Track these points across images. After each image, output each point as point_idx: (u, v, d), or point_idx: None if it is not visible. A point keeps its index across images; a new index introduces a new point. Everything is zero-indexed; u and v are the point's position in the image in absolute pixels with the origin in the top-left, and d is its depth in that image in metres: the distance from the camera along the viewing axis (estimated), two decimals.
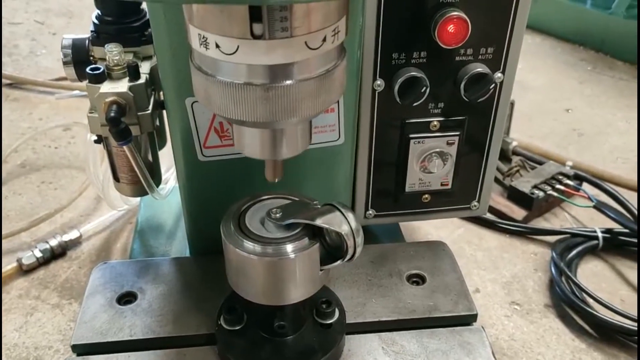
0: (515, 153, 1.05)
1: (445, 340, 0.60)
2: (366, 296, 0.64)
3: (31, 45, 1.59)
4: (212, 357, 0.59)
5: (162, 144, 0.76)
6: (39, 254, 0.88)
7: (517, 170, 1.01)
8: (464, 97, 0.62)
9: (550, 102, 1.34)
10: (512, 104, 1.04)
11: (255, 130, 0.45)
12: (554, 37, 1.60)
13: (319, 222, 0.50)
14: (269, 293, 0.52)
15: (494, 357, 0.59)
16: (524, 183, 0.97)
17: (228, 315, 0.58)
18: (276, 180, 0.50)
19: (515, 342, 0.78)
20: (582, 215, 0.99)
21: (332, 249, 0.53)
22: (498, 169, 1.01)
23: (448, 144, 0.66)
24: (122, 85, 0.62)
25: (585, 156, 1.12)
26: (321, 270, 0.53)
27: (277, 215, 0.52)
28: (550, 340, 0.79)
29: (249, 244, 0.51)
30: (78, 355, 0.60)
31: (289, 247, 0.51)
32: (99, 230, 0.96)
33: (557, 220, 0.99)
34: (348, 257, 0.51)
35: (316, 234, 0.52)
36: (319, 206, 0.53)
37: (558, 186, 0.97)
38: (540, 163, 1.03)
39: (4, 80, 1.40)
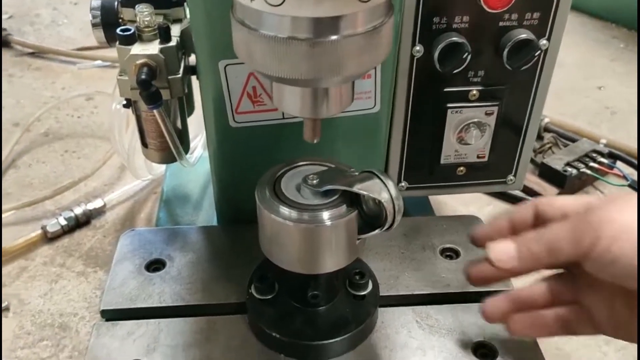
0: (547, 130, 1.02)
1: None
2: (399, 269, 0.63)
3: (53, 14, 1.58)
4: (242, 326, 0.58)
5: (190, 112, 0.74)
6: (63, 222, 0.87)
7: (550, 147, 0.98)
8: (507, 65, 0.60)
9: (581, 79, 1.30)
10: None
11: (296, 88, 0.43)
12: (585, 14, 1.55)
13: (357, 189, 0.48)
14: (303, 261, 0.51)
15: None
16: (557, 160, 0.95)
17: (259, 284, 0.57)
18: (314, 141, 0.49)
19: None
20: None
21: (369, 218, 0.51)
22: None
23: (487, 114, 0.64)
24: (153, 48, 0.61)
25: (618, 134, 1.09)
26: (358, 239, 0.51)
27: (314, 181, 0.50)
28: None
29: (284, 210, 0.49)
30: (107, 320, 0.59)
31: (326, 214, 0.49)
32: (123, 199, 0.95)
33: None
34: (387, 225, 0.49)
35: (354, 201, 0.50)
36: (357, 173, 0.51)
37: (592, 164, 0.94)
38: (573, 140, 1.00)
39: (26, 49, 1.39)
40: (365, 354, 0.55)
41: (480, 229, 0.54)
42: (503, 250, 0.47)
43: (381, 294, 0.59)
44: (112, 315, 0.59)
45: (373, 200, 0.49)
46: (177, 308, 0.59)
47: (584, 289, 0.48)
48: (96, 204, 0.91)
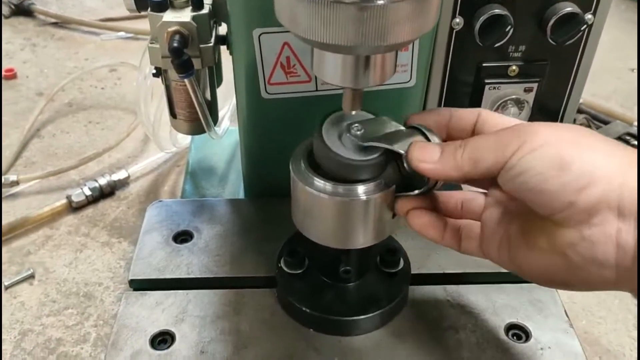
0: (580, 111, 1.00)
1: (514, 296, 0.57)
2: (430, 248, 0.62)
3: None
4: (270, 300, 0.57)
5: (219, 83, 0.73)
6: (88, 192, 0.87)
7: None
8: (550, 40, 0.58)
9: (613, 60, 1.27)
10: None
11: (339, 55, 0.42)
12: None
13: (397, 147, 0.46)
14: (337, 235, 0.50)
15: (567, 316, 0.56)
16: None
17: (289, 258, 0.56)
18: (353, 113, 0.47)
19: (575, 305, 0.75)
20: None
21: (410, 177, 0.49)
22: None
23: (525, 90, 0.62)
24: (185, 15, 0.59)
25: None
26: (393, 215, 0.50)
27: (358, 132, 0.47)
28: (612, 304, 0.76)
29: (319, 183, 0.48)
30: (135, 290, 0.59)
31: (361, 189, 0.48)
32: (147, 171, 0.95)
33: None
34: (427, 187, 0.47)
35: (395, 158, 0.48)
36: (402, 128, 0.48)
37: None
38: (606, 122, 0.98)
39: (49, 19, 1.38)
40: (395, 331, 0.54)
41: (418, 114, 0.51)
42: (427, 151, 0.44)
43: (412, 272, 0.58)
44: (140, 285, 0.59)
45: None
46: (205, 280, 0.59)
47: (489, 204, 0.47)
48: (120, 175, 0.90)
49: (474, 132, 0.48)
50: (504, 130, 0.42)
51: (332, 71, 0.44)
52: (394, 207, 0.49)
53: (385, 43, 0.39)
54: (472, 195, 0.50)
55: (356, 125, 0.47)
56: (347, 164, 0.47)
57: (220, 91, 0.71)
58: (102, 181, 0.88)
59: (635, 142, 0.93)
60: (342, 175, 0.47)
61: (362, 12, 0.37)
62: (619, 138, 0.93)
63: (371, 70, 0.43)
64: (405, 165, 0.48)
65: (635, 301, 0.75)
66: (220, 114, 0.86)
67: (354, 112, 0.48)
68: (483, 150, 0.42)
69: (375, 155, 0.47)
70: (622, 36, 1.36)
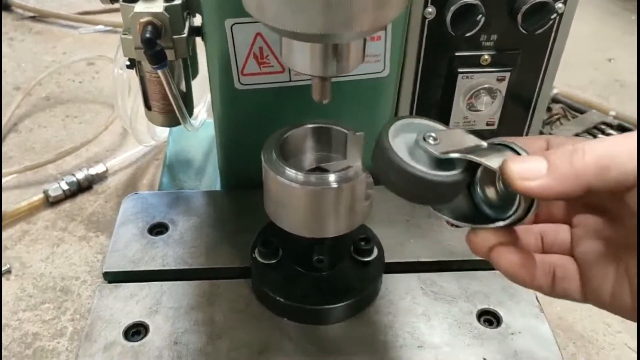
0: (555, 101, 1.01)
1: (487, 283, 0.58)
2: (405, 236, 0.62)
3: None
4: (245, 290, 0.57)
5: (194, 75, 0.73)
6: (65, 187, 0.87)
7: (558, 119, 0.97)
8: (521, 28, 0.58)
9: (591, 51, 1.28)
10: None
11: (306, 44, 0.42)
12: None
13: (489, 162, 0.36)
14: (309, 224, 0.50)
15: (538, 301, 0.57)
16: (565, 132, 0.94)
17: (263, 248, 0.56)
18: (324, 102, 0.47)
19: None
20: None
21: (488, 204, 0.40)
22: None
23: (498, 80, 0.62)
24: (158, 5, 0.59)
25: (628, 107, 1.07)
26: (366, 202, 0.50)
27: (434, 143, 0.38)
28: None
29: (290, 172, 0.48)
30: (109, 282, 0.58)
31: (333, 177, 0.48)
32: (125, 165, 0.94)
33: None
34: (518, 214, 0.37)
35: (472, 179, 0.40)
36: (484, 143, 0.39)
37: (600, 136, 0.93)
38: (582, 112, 0.99)
39: (27, 13, 1.37)
40: (368, 319, 0.55)
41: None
42: (530, 163, 0.34)
43: (386, 260, 0.58)
44: (115, 278, 0.59)
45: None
46: (180, 271, 0.59)
47: (582, 236, 0.39)
48: (98, 169, 0.90)
49: None
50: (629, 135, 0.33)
51: (301, 60, 0.44)
52: (473, 241, 0.40)
53: (352, 31, 0.39)
54: (554, 227, 0.42)
55: (432, 135, 0.39)
56: (427, 180, 0.37)
57: (197, 83, 0.71)
58: (80, 175, 0.88)
59: (611, 131, 0.94)
60: (412, 192, 0.39)
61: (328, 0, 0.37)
62: (594, 127, 0.94)
63: (339, 58, 0.43)
64: (478, 190, 0.40)
65: None
66: (198, 106, 0.86)
67: (418, 121, 0.41)
68: (614, 154, 0.32)
69: (456, 172, 0.38)
70: (600, 27, 1.38)
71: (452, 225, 0.41)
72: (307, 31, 0.38)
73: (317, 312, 0.54)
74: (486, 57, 0.61)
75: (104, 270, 0.59)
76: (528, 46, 0.61)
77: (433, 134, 0.39)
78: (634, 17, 1.42)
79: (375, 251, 0.58)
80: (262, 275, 0.56)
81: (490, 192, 0.40)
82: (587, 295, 0.38)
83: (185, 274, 0.59)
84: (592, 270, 0.38)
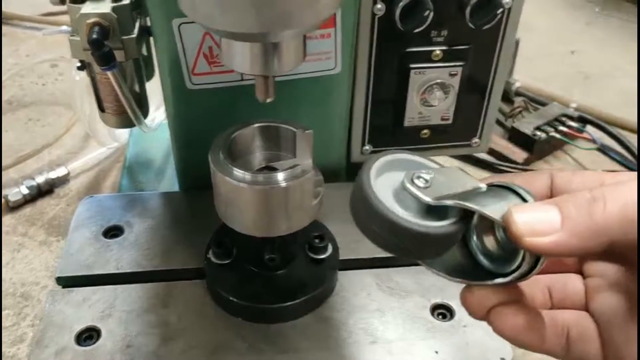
0: (518, 94, 1.01)
1: (440, 277, 0.58)
2: (361, 234, 0.62)
3: None
4: (200, 291, 0.57)
5: (150, 75, 0.72)
6: (25, 191, 0.85)
7: (520, 112, 0.98)
8: (470, 24, 0.59)
9: (555, 44, 1.29)
10: (517, 43, 1.00)
11: (245, 43, 0.42)
12: None
13: (491, 212, 0.32)
14: (258, 224, 0.50)
15: None
16: (526, 124, 0.94)
17: (217, 249, 0.56)
18: (267, 101, 0.47)
19: None
20: (585, 158, 0.96)
21: (486, 255, 0.36)
22: (500, 110, 0.97)
23: (450, 75, 0.63)
24: (105, 6, 0.58)
25: (591, 99, 1.09)
26: (315, 200, 0.50)
27: (422, 186, 0.33)
28: None
29: (238, 172, 0.48)
30: (63, 287, 0.58)
31: (281, 176, 0.48)
32: (87, 168, 0.93)
33: (559, 163, 0.96)
34: (523, 269, 0.32)
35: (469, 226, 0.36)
36: (482, 185, 0.35)
37: (561, 128, 0.94)
38: (544, 104, 1.00)
39: None
40: (323, 316, 0.55)
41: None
42: (541, 214, 0.29)
43: (342, 257, 0.59)
44: (68, 282, 0.58)
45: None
46: (134, 274, 0.58)
47: (598, 289, 0.34)
48: (59, 172, 0.89)
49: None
50: None
51: (241, 59, 0.44)
52: (469, 301, 0.35)
53: (288, 29, 0.39)
54: (563, 277, 0.37)
55: (421, 176, 0.34)
56: (415, 231, 0.32)
57: (156, 84, 0.70)
58: (40, 179, 0.87)
59: (572, 123, 0.95)
60: (397, 244, 0.34)
61: None
62: (555, 120, 0.95)
63: (279, 56, 0.43)
64: (474, 239, 0.36)
65: None
66: (157, 106, 0.85)
67: (405, 157, 0.37)
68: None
69: (449, 222, 0.33)
70: (564, 19, 1.39)
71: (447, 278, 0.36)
72: (240, 30, 0.38)
73: (270, 310, 0.54)
74: (437, 52, 0.62)
75: (57, 275, 0.58)
76: (478, 41, 0.61)
77: (423, 175, 0.34)
78: (597, 8, 1.43)
79: (330, 248, 0.58)
80: (216, 275, 0.56)
81: (489, 242, 0.36)
82: (610, 358, 0.33)
83: (140, 276, 0.58)
84: (614, 329, 0.33)
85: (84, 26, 0.58)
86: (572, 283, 0.36)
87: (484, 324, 0.53)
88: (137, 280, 0.58)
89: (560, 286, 0.36)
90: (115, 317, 0.54)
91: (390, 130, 0.67)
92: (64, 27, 1.28)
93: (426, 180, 0.33)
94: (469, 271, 0.36)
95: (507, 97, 1.01)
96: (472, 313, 0.35)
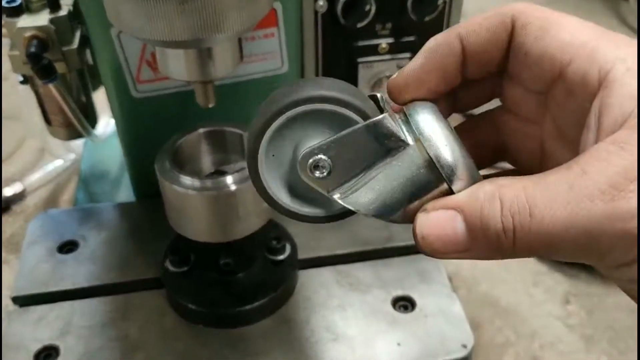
0: None
1: (400, 269, 0.59)
2: (320, 231, 0.62)
3: None
4: (160, 301, 0.57)
5: (98, 84, 0.71)
6: None
7: None
8: (412, 16, 0.59)
9: None
10: None
11: (179, 50, 0.41)
12: None
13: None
14: (211, 230, 0.50)
15: (450, 282, 0.58)
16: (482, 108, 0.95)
17: (173, 257, 0.56)
18: (209, 106, 0.47)
19: (477, 271, 0.78)
20: None
21: None
22: None
23: (398, 67, 0.63)
24: (42, 19, 0.57)
25: None
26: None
27: (320, 175, 0.28)
28: (511, 265, 0.79)
29: (186, 180, 0.48)
30: (20, 306, 0.57)
31: (230, 179, 0.48)
32: (44, 182, 0.91)
33: None
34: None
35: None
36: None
37: None
38: None
39: None
40: (285, 317, 0.55)
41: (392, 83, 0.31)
42: (445, 232, 0.25)
43: (301, 257, 0.59)
44: (25, 301, 0.57)
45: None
46: (92, 289, 0.57)
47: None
48: (15, 188, 0.87)
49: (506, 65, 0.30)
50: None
51: (177, 67, 0.43)
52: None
53: (218, 35, 0.39)
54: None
55: (319, 164, 0.28)
56: (301, 216, 0.31)
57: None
58: None
59: None
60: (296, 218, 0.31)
61: (184, 5, 0.37)
62: None
63: (215, 60, 0.43)
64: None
65: (533, 260, 0.79)
66: (109, 115, 0.84)
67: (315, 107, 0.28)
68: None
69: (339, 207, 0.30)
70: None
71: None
72: (170, 38, 0.37)
73: (230, 315, 0.54)
74: (384, 45, 0.62)
75: (12, 295, 0.57)
76: (422, 32, 0.62)
77: (321, 161, 0.28)
78: None
79: (288, 249, 0.58)
80: (174, 284, 0.55)
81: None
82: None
83: (97, 290, 0.57)
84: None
85: (21, 40, 0.56)
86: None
87: (445, 312, 0.53)
88: (95, 294, 0.57)
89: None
90: (74, 334, 0.53)
91: None
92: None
93: (324, 168, 0.28)
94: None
95: None
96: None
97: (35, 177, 0.90)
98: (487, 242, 0.24)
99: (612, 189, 0.22)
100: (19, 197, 0.87)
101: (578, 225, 0.22)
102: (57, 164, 0.92)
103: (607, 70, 0.25)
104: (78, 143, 0.87)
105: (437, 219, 0.26)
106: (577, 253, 0.23)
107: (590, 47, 0.26)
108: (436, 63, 0.30)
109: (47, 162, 0.94)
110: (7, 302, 0.74)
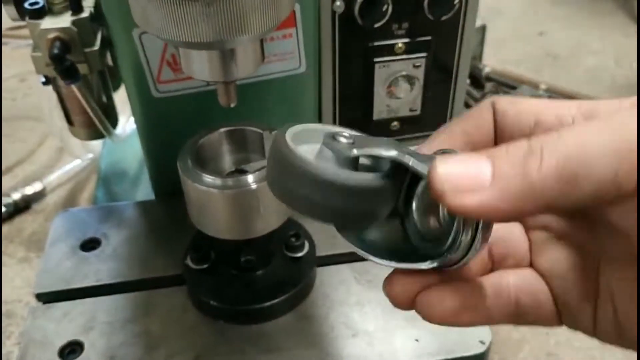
0: (488, 79, 1.02)
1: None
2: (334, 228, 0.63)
3: None
4: (181, 298, 0.57)
5: (118, 85, 0.72)
6: (2, 209, 0.85)
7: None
8: (428, 15, 0.59)
9: (523, 26, 1.31)
10: (484, 29, 1.01)
11: (202, 51, 0.42)
12: None
13: (420, 167, 0.27)
14: (231, 227, 0.51)
15: None
16: None
17: (194, 254, 0.57)
18: (231, 105, 0.48)
19: None
20: None
21: (424, 236, 0.31)
22: (471, 96, 0.98)
23: (414, 67, 0.64)
24: (65, 20, 0.58)
25: (561, 79, 1.10)
26: None
27: (346, 141, 0.29)
28: None
29: (208, 178, 0.49)
30: (44, 303, 0.58)
31: (250, 178, 0.49)
32: (64, 181, 0.93)
33: None
34: (456, 250, 0.27)
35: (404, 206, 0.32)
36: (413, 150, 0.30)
37: None
38: (514, 88, 1.01)
39: None
40: (304, 313, 0.56)
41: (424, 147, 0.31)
42: (464, 167, 0.23)
43: (319, 254, 0.59)
44: (48, 298, 0.58)
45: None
46: (114, 285, 0.59)
47: (546, 242, 0.30)
48: (35, 187, 0.88)
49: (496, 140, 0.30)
50: (613, 117, 0.22)
51: (200, 67, 0.44)
52: (386, 289, 0.31)
53: (241, 36, 0.39)
54: (502, 229, 0.30)
55: (344, 134, 0.30)
56: (338, 184, 0.28)
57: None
58: (16, 195, 0.86)
59: None
60: (317, 204, 0.29)
61: (210, 7, 0.37)
62: None
63: (237, 61, 0.44)
64: (414, 217, 0.31)
65: None
66: (127, 115, 0.85)
67: (321, 127, 0.32)
68: (584, 157, 0.22)
69: (377, 175, 0.29)
70: (530, 2, 1.40)
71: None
72: (194, 40, 0.38)
73: (250, 311, 0.54)
74: (400, 45, 0.62)
75: (36, 292, 0.58)
76: (439, 32, 0.62)
77: (345, 133, 0.30)
78: None
79: (307, 246, 0.58)
80: (195, 280, 0.56)
81: (432, 221, 0.30)
82: (565, 319, 0.29)
83: (120, 287, 0.58)
84: (567, 289, 0.28)
85: (44, 42, 0.58)
86: (513, 235, 0.31)
87: None
88: (117, 291, 0.58)
89: (500, 241, 0.30)
90: (97, 330, 0.54)
91: (360, 124, 0.67)
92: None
93: (348, 137, 0.29)
94: (402, 254, 0.30)
95: (477, 83, 1.03)
96: (395, 302, 0.30)
97: (55, 176, 0.91)
98: (511, 164, 0.22)
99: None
100: (38, 195, 0.89)
101: (606, 143, 0.21)
102: (76, 163, 0.93)
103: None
104: (95, 143, 0.88)
105: (458, 158, 0.24)
106: (602, 180, 0.22)
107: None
108: None
109: (66, 161, 0.96)
110: (29, 299, 0.76)
